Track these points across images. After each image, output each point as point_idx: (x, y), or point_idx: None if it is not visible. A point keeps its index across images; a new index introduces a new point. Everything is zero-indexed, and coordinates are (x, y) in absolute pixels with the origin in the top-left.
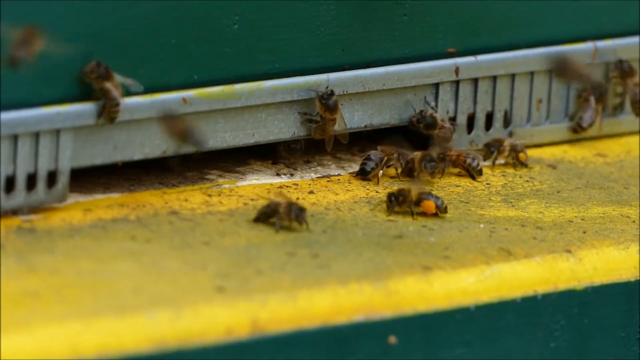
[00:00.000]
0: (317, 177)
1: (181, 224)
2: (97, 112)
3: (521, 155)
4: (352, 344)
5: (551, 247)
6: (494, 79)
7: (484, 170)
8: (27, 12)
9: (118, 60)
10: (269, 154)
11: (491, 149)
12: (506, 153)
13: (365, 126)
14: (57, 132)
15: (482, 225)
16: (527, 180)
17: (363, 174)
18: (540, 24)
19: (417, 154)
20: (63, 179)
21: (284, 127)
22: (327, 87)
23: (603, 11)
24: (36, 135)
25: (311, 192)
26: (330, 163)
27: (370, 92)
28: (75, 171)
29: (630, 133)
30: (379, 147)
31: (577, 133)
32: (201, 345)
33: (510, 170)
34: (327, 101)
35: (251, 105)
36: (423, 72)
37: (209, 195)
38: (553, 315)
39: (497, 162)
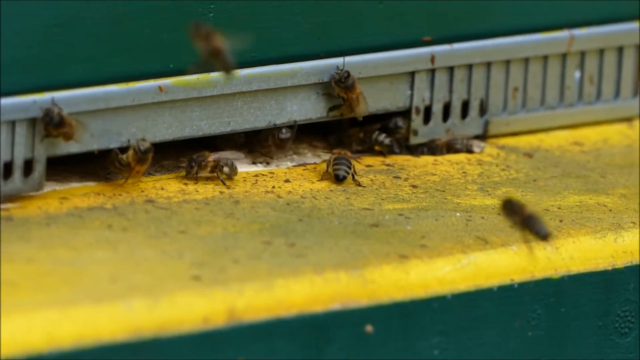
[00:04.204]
0: (293, 166)
1: (157, 212)
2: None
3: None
4: (328, 333)
5: (528, 236)
6: (470, 67)
7: (458, 158)
8: None
9: (93, 49)
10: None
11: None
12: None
13: (342, 115)
14: (34, 121)
15: (458, 214)
16: (504, 169)
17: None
18: (516, 12)
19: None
20: (39, 168)
21: (260, 116)
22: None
23: None
24: (12, 124)
25: (287, 181)
26: (306, 151)
27: None
28: (52, 160)
29: (607, 121)
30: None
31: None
32: (178, 334)
33: (487, 159)
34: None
35: (227, 94)
36: (399, 60)
37: (185, 184)
38: (530, 304)
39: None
